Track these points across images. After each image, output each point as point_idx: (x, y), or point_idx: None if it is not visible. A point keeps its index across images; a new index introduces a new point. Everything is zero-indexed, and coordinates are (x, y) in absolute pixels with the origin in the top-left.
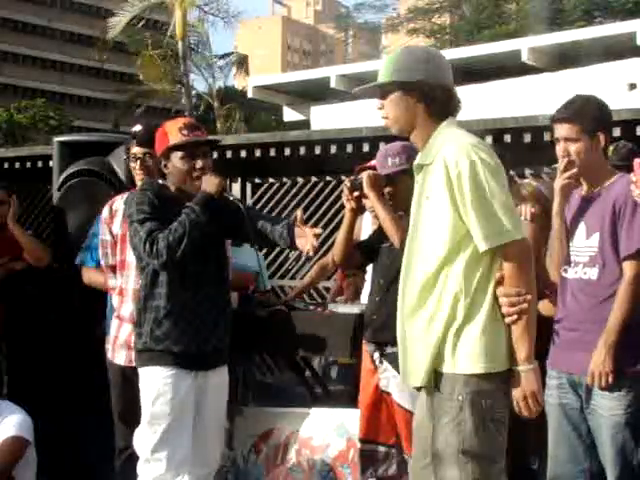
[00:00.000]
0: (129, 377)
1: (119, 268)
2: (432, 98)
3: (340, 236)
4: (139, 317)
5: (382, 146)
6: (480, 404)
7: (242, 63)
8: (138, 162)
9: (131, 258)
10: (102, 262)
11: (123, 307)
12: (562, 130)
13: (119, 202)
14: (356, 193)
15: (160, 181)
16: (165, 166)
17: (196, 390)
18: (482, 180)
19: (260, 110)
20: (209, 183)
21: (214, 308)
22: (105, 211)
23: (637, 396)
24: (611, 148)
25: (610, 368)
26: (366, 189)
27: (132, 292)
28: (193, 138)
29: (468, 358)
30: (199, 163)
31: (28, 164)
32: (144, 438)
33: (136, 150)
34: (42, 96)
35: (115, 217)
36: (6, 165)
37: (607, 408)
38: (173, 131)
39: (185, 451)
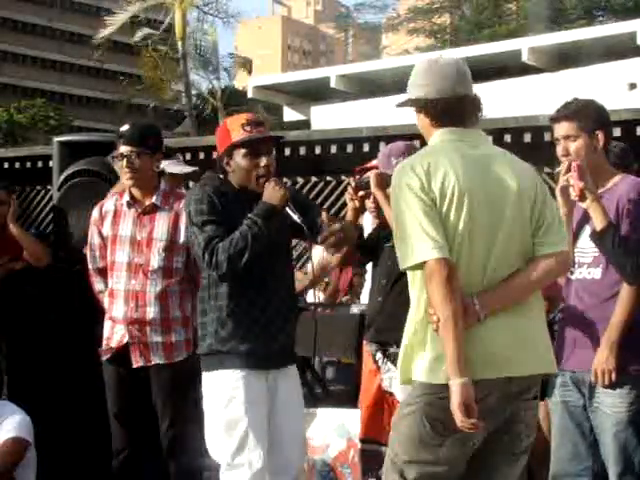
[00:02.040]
0: (124, 378)
1: (109, 269)
2: (432, 113)
3: None
4: (201, 319)
5: (382, 146)
6: (423, 410)
7: (246, 65)
8: (124, 160)
9: (121, 259)
10: (90, 265)
11: (115, 308)
12: (561, 129)
13: (109, 203)
14: (361, 193)
15: (221, 176)
16: (228, 164)
17: (267, 393)
18: (398, 204)
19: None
20: (273, 195)
21: (282, 305)
22: (95, 213)
23: None
24: None
25: (613, 366)
26: (373, 188)
27: (124, 293)
28: (257, 134)
29: (418, 366)
30: (263, 161)
31: (28, 164)
32: (222, 445)
33: (123, 149)
34: (42, 96)
35: (105, 219)
36: (6, 165)
37: (610, 405)
38: (235, 128)
39: (264, 455)
